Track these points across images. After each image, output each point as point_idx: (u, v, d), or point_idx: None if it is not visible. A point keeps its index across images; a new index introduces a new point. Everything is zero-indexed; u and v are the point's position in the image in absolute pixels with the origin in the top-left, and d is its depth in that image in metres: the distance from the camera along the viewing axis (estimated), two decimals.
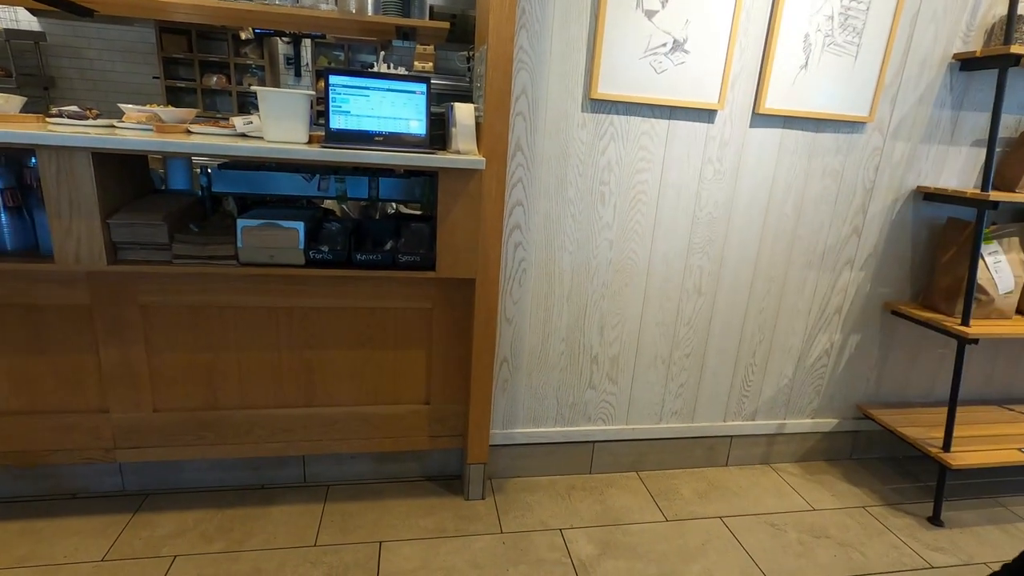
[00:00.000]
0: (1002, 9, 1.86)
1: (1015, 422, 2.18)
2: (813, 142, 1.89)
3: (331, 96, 1.52)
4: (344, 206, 2.03)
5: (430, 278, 1.70)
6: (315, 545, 1.65)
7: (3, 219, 1.44)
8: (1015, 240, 2.01)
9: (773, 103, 1.79)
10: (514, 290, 1.85)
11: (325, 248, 1.55)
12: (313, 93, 1.62)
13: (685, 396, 2.09)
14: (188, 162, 1.86)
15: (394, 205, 2.14)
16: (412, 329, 1.80)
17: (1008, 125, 2.00)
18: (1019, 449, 1.97)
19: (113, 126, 1.52)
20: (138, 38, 5.34)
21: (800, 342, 2.12)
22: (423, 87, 1.57)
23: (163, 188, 1.85)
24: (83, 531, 1.64)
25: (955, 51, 1.88)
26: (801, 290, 2.05)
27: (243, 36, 5.28)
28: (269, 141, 1.48)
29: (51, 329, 1.59)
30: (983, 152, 2.01)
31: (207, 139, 1.47)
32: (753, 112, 1.81)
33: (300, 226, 1.51)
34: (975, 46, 1.89)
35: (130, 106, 1.63)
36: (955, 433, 1.95)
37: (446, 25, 2.86)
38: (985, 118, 1.97)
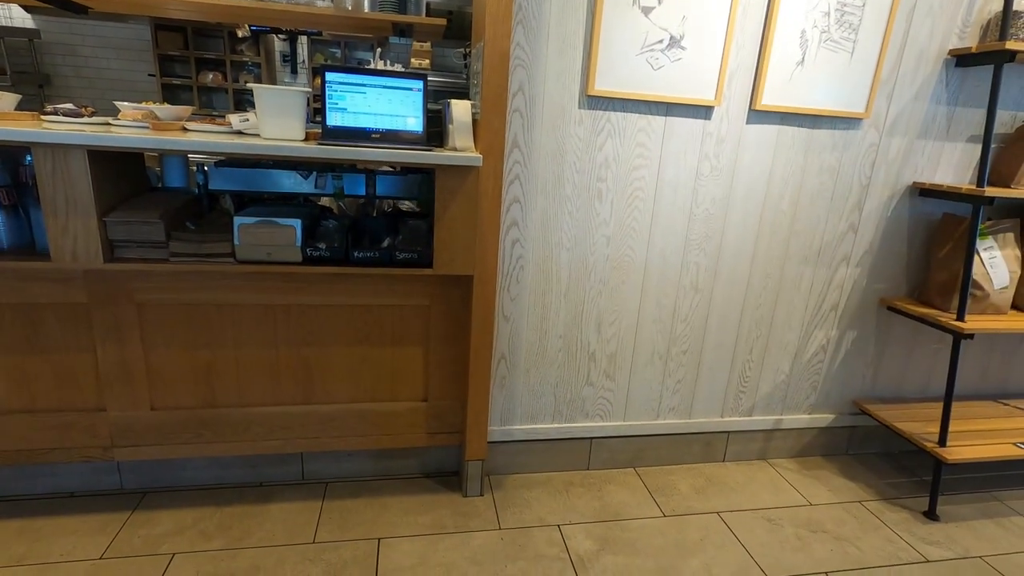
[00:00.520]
0: (998, 5, 1.86)
1: (1010, 416, 2.20)
2: (809, 138, 1.89)
3: (328, 93, 1.51)
4: (341, 203, 2.03)
5: (427, 275, 1.70)
6: (314, 542, 1.65)
7: None
8: (1010, 236, 2.02)
9: (770, 99, 1.80)
10: (511, 287, 1.85)
11: (322, 245, 1.54)
12: (309, 90, 1.62)
13: (682, 392, 2.10)
14: (184, 160, 1.86)
15: (391, 202, 2.14)
16: (410, 326, 1.80)
17: (1004, 121, 2.01)
18: (1014, 443, 1.98)
19: (109, 124, 1.51)
20: (133, 35, 5.31)
21: (797, 338, 2.12)
22: (420, 84, 1.56)
23: (159, 186, 1.85)
24: (81, 529, 1.64)
25: (951, 47, 1.88)
26: (797, 286, 2.06)
27: (239, 33, 5.26)
28: (265, 139, 1.48)
29: (48, 327, 1.59)
30: (979, 148, 2.02)
31: (203, 137, 1.47)
32: (749, 108, 1.82)
33: (297, 223, 1.51)
34: (971, 42, 1.89)
35: (126, 104, 1.62)
36: (951, 428, 1.96)
37: (443, 22, 2.85)
38: (981, 114, 1.98)
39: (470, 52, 1.88)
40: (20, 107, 1.67)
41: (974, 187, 1.81)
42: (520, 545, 1.70)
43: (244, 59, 5.49)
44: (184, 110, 1.65)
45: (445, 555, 1.64)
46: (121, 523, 1.67)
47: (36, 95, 5.09)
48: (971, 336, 1.87)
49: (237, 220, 1.48)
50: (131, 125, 1.51)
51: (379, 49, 5.50)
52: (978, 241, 1.93)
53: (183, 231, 1.51)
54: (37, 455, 1.66)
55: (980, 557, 1.78)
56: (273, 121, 1.47)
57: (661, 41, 1.69)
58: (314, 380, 1.79)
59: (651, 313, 1.97)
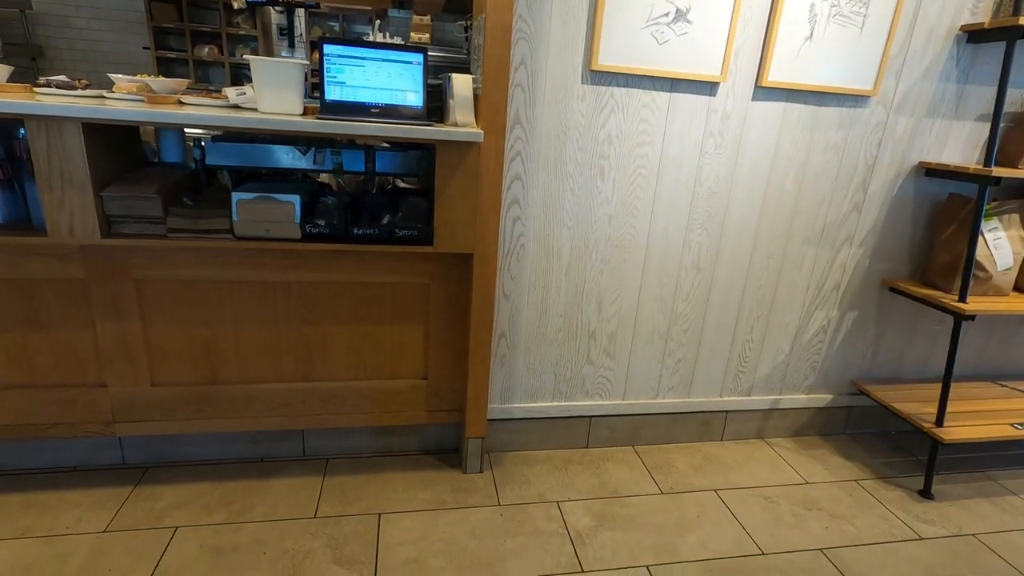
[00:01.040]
0: None
1: (1008, 397, 2.21)
2: (816, 116, 1.86)
3: (326, 66, 1.48)
4: (340, 179, 2.00)
5: (428, 253, 1.69)
6: (315, 517, 1.67)
7: None
8: (1015, 217, 2.00)
9: (776, 76, 1.76)
10: (512, 265, 1.84)
11: (321, 222, 1.53)
12: (307, 63, 1.59)
13: (682, 371, 2.10)
14: (181, 134, 1.83)
15: (391, 179, 2.11)
16: (410, 304, 1.80)
17: (1013, 100, 1.98)
18: (1012, 424, 1.99)
19: (103, 96, 1.49)
20: (127, 6, 5.20)
21: (797, 318, 2.12)
22: (420, 57, 1.53)
23: (156, 161, 1.82)
24: (85, 503, 1.65)
25: (962, 22, 1.84)
26: (800, 266, 2.05)
27: (235, 5, 5.14)
28: (263, 112, 1.45)
29: (46, 303, 1.58)
30: (986, 127, 1.99)
31: (200, 110, 1.44)
32: (756, 85, 1.78)
33: (296, 199, 1.49)
34: (983, 17, 1.85)
35: (120, 76, 1.59)
36: (948, 408, 1.97)
37: None
38: (990, 92, 1.94)
39: (471, 25, 1.84)
40: (12, 80, 1.63)
41: (981, 167, 1.79)
42: (519, 521, 1.72)
43: (240, 32, 5.38)
44: (180, 83, 1.61)
45: (445, 530, 1.66)
46: (124, 497, 1.69)
47: (29, 68, 5.00)
48: (972, 317, 1.87)
49: (235, 196, 1.47)
50: (126, 98, 1.48)
51: (378, 22, 5.39)
52: (983, 222, 1.91)
53: (181, 207, 1.50)
54: (39, 430, 1.67)
55: (973, 535, 1.81)
56: (270, 94, 1.45)
57: (667, 14, 1.65)
58: (314, 357, 1.79)
59: (652, 292, 1.97)
